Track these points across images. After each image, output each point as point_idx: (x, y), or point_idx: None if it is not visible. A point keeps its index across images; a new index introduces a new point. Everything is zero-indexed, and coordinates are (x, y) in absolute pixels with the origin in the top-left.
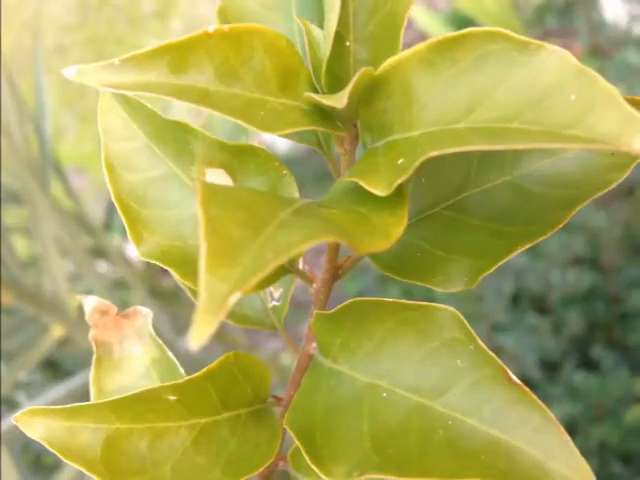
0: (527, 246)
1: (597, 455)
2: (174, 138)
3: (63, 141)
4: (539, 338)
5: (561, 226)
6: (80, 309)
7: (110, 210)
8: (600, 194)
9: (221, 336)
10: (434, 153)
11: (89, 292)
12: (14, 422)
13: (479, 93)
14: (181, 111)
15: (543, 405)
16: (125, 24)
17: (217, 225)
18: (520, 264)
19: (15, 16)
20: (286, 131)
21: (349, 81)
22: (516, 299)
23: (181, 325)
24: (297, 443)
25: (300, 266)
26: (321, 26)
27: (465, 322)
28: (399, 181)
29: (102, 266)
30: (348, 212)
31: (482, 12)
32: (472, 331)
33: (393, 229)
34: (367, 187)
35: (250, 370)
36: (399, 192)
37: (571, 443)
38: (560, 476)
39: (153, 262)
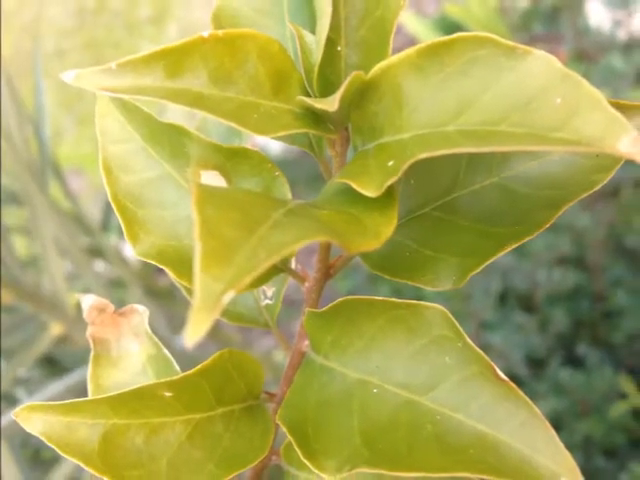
0: (514, 246)
1: (582, 449)
2: (169, 140)
3: (62, 143)
4: (526, 336)
5: (547, 226)
6: (78, 307)
7: (107, 211)
8: (585, 195)
9: (215, 334)
10: (423, 155)
11: (87, 291)
12: (14, 417)
13: (467, 97)
14: (177, 114)
15: (529, 401)
16: (122, 29)
17: (212, 226)
18: (507, 263)
19: (15, 20)
20: (279, 134)
21: (340, 85)
22: (503, 298)
23: (177, 323)
24: (289, 438)
25: (292, 265)
26: (313, 31)
27: (453, 320)
28: (389, 182)
29: (99, 265)
30: (339, 213)
31: (470, 18)
32: (460, 329)
33: (383, 229)
34: (358, 188)
35: (244, 367)
36: (389, 193)
37: (556, 438)
38: (546, 470)
39: (149, 261)
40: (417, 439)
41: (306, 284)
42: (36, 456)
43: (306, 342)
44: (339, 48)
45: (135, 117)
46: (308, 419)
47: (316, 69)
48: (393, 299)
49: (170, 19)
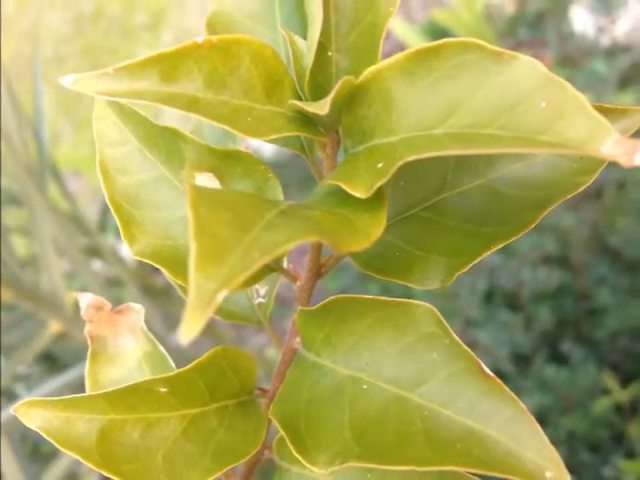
0: (500, 245)
1: (566, 444)
2: (165, 143)
3: (60, 146)
4: (511, 333)
5: (533, 226)
6: (76, 305)
7: (104, 211)
8: (569, 196)
9: (210, 331)
10: (412, 157)
11: (85, 289)
12: (13, 413)
13: (455, 100)
14: (172, 118)
15: (515, 397)
16: (119, 35)
17: (206, 226)
18: (493, 263)
19: (14, 26)
20: (271, 136)
21: (331, 89)
22: (489, 296)
23: (172, 321)
24: (282, 433)
25: (284, 265)
26: (304, 37)
27: (441, 317)
28: (379, 184)
29: (97, 265)
30: (330, 213)
31: (457, 23)
32: (448, 326)
33: (373, 229)
34: (348, 190)
35: (237, 363)
36: (379, 194)
37: (542, 432)
38: (532, 464)
39: (145, 261)
40: (406, 434)
41: (298, 283)
42: (35, 450)
43: (298, 339)
44: (330, 53)
45: (131, 120)
46: (300, 414)
47: (307, 73)
48: (382, 297)
49: (165, 25)
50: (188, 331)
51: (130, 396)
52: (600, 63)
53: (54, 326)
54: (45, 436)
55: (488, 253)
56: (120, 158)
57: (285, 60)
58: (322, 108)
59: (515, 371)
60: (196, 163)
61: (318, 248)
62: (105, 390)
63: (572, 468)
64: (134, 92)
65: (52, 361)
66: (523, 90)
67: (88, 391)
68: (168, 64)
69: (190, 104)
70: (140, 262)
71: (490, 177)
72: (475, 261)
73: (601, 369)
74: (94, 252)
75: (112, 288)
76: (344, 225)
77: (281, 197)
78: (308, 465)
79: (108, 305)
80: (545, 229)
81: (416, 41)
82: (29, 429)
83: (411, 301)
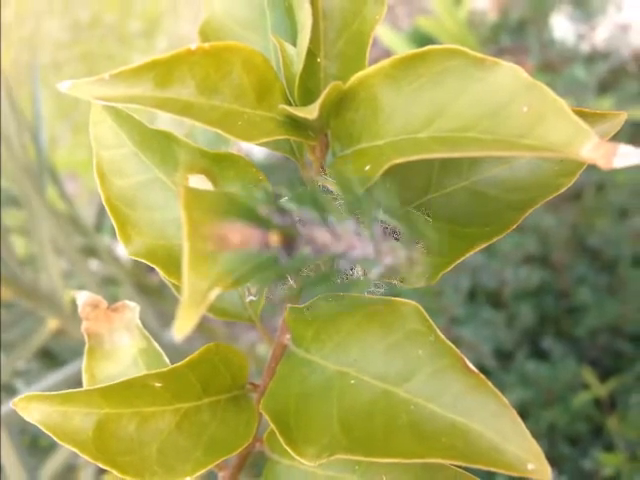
0: (483, 245)
1: (547, 437)
2: (159, 146)
3: (58, 149)
4: (494, 330)
5: (515, 227)
6: (73, 303)
7: (101, 212)
8: (550, 198)
9: (203, 328)
10: (398, 160)
11: (82, 288)
12: (13, 407)
13: (439, 105)
14: (167, 122)
15: (498, 391)
16: (115, 42)
17: (199, 227)
18: (477, 262)
19: (14, 34)
20: (262, 140)
21: (320, 94)
22: (473, 294)
23: (166, 318)
24: (272, 426)
25: None
26: (294, 44)
27: (426, 315)
28: (366, 186)
29: (93, 264)
30: None
31: (441, 31)
32: (433, 323)
33: None
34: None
35: (229, 359)
36: None
37: (523, 426)
38: (514, 456)
39: (140, 260)
40: (392, 427)
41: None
42: (34, 443)
43: (288, 336)
44: (319, 59)
45: (127, 124)
46: (290, 408)
47: (297, 79)
48: (370, 296)
49: (160, 33)
50: (182, 328)
51: (126, 391)
52: (580, 69)
53: (52, 323)
54: (44, 429)
55: (472, 253)
56: (116, 161)
57: (275, 66)
58: (311, 112)
59: (498, 367)
60: (189, 166)
61: None
62: (101, 385)
63: (552, 461)
64: (129, 97)
65: (50, 357)
66: (505, 95)
67: (85, 386)
68: (162, 70)
69: (184, 109)
70: (135, 261)
71: (474, 179)
72: (459, 260)
73: (581, 365)
74: (91, 252)
75: (108, 287)
76: None
77: None
78: (297, 457)
79: (104, 303)
80: (527, 230)
81: (402, 48)
82: (28, 423)
83: (397, 299)
